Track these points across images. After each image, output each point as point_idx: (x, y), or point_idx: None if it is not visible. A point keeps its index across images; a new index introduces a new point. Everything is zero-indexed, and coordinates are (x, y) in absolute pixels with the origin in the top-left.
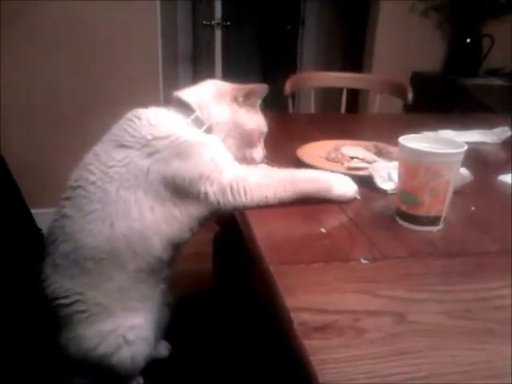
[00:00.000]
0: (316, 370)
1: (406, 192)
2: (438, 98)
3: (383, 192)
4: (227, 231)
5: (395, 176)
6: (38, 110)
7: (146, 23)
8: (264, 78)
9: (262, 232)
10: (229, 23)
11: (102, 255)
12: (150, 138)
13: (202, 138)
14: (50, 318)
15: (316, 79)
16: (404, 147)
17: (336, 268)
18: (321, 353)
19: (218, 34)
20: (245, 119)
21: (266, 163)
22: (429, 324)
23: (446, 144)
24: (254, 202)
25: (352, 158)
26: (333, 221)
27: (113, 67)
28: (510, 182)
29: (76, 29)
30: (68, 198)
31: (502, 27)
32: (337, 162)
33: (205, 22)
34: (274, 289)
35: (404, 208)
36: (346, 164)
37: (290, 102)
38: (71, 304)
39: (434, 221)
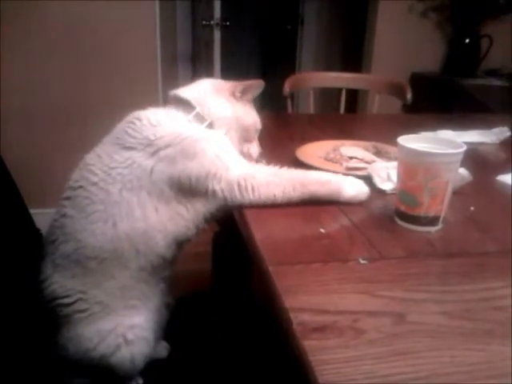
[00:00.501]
0: (315, 370)
1: (405, 192)
2: (437, 98)
3: (382, 192)
4: (226, 231)
5: (394, 176)
6: (37, 109)
7: (146, 23)
8: (263, 78)
9: (261, 232)
10: (228, 23)
11: (105, 255)
12: (152, 138)
13: (205, 134)
14: (49, 318)
15: (315, 79)
16: (403, 147)
17: (335, 268)
18: (320, 353)
19: (217, 33)
20: (242, 114)
21: (265, 163)
22: (428, 324)
23: (445, 144)
24: (261, 199)
25: (351, 158)
26: (332, 221)
27: (112, 67)
28: (509, 182)
29: (75, 29)
30: (68, 198)
31: (501, 27)
32: (336, 162)
33: (204, 21)
34: (273, 289)
35: (403, 208)
36: (345, 164)
37: (289, 102)
38: (72, 303)
39: (432, 221)
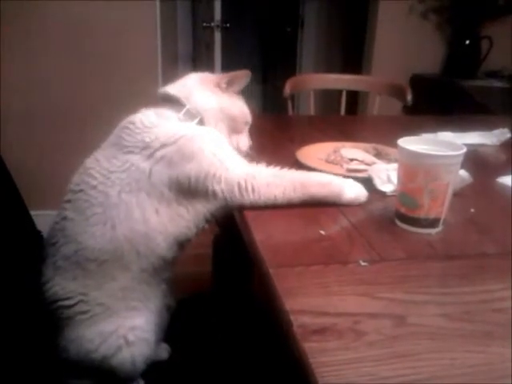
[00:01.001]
0: (315, 372)
1: (405, 194)
2: (437, 100)
3: (382, 194)
4: (227, 234)
5: (394, 178)
6: (38, 111)
7: (146, 25)
8: (264, 79)
9: (261, 234)
10: (228, 25)
11: (105, 257)
12: (147, 140)
13: (199, 132)
14: (50, 320)
15: (315, 81)
16: (403, 149)
17: (335, 270)
18: (320, 355)
19: (218, 35)
20: (228, 104)
21: (265, 164)
22: (428, 326)
23: (445, 146)
24: (261, 200)
25: (351, 159)
26: (332, 223)
27: (112, 68)
28: (509, 183)
29: (76, 30)
30: (69, 201)
31: (501, 29)
32: (336, 164)
33: (204, 23)
34: (273, 291)
35: (403, 210)
36: (345, 166)
37: (289, 103)
38: (73, 305)
39: (433, 223)
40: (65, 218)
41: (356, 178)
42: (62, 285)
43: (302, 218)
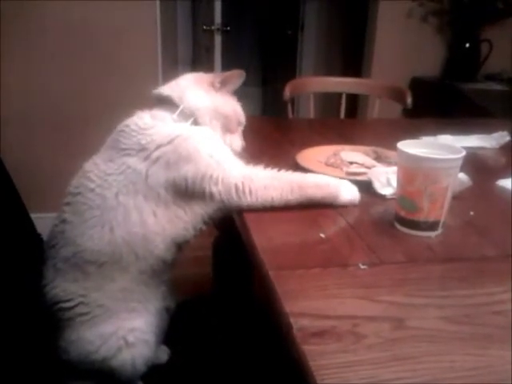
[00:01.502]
0: (315, 375)
1: (405, 197)
2: (437, 103)
3: (382, 197)
4: (226, 236)
5: (394, 181)
6: (38, 114)
7: (146, 28)
8: (264, 82)
9: (261, 237)
10: (228, 28)
11: (104, 259)
12: (143, 142)
13: (194, 132)
14: (50, 322)
15: (315, 84)
16: (402, 153)
17: (335, 273)
18: (320, 358)
19: (218, 38)
20: (222, 103)
21: (264, 166)
22: (428, 329)
23: (444, 149)
24: (258, 202)
25: (351, 163)
26: (332, 226)
27: (113, 71)
28: (508, 186)
29: (76, 33)
30: (68, 204)
31: (501, 32)
32: (336, 167)
33: (205, 26)
34: (273, 294)
35: (403, 213)
36: (345, 169)
37: (289, 106)
38: (73, 307)
39: (432, 226)
40: (64, 221)
41: (356, 181)
42: (62, 287)
43: (302, 221)
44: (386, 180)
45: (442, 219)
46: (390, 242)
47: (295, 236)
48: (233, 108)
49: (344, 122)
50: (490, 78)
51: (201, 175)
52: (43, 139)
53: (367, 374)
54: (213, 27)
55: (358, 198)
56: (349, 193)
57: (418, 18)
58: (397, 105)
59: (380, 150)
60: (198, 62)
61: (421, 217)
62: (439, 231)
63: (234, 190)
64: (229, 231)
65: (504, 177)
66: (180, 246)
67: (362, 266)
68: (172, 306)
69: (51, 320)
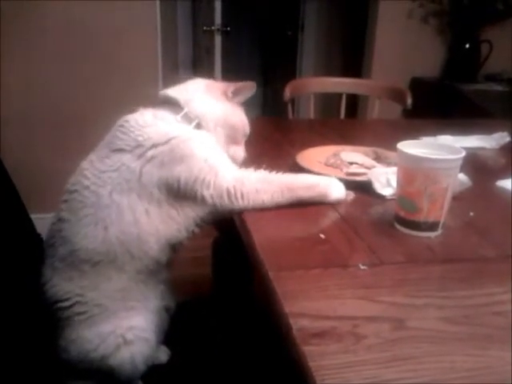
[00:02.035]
0: (315, 375)
1: (405, 198)
2: (437, 104)
3: (382, 197)
4: (226, 236)
5: (394, 182)
6: (38, 114)
7: (146, 28)
8: (264, 83)
9: (261, 238)
10: (229, 29)
11: (99, 258)
12: (140, 139)
13: (193, 135)
14: (50, 321)
15: (315, 84)
16: (402, 153)
17: (335, 274)
18: (319, 359)
19: (218, 39)
20: (231, 113)
21: (265, 168)
22: (428, 330)
23: (444, 150)
24: (250, 205)
25: (351, 163)
26: (332, 226)
27: (113, 72)
28: (508, 187)
29: (76, 33)
30: (65, 202)
31: (501, 33)
32: (336, 168)
33: (205, 27)
34: (272, 294)
35: (402, 214)
36: (345, 169)
37: (289, 107)
38: (71, 306)
39: (432, 226)
40: (61, 219)
41: (355, 182)
42: (59, 286)
43: (302, 222)
44: (385, 180)
45: (442, 220)
46: (390, 243)
47: (295, 236)
48: (241, 120)
49: (344, 122)
50: (490, 78)
51: (193, 178)
52: (43, 139)
53: (367, 375)
54: (213, 28)
55: (345, 195)
56: (337, 191)
57: (418, 18)
58: (397, 105)
59: (380, 150)
60: (199, 62)
61: (421, 217)
62: (439, 232)
63: (225, 195)
64: (228, 232)
65: (504, 177)
66: (174, 248)
67: (362, 267)
68: (172, 305)
69: (51, 319)
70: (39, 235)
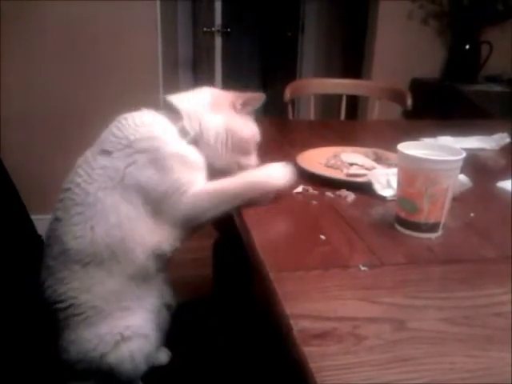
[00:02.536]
0: (315, 377)
1: (405, 199)
2: (437, 105)
3: (382, 198)
4: (227, 237)
5: (394, 183)
6: (38, 114)
7: (147, 29)
8: (264, 84)
9: (261, 239)
10: (229, 30)
11: (88, 259)
12: (132, 138)
13: (180, 150)
14: (50, 322)
15: (316, 86)
16: (403, 154)
17: (335, 275)
18: (320, 360)
19: (218, 40)
20: (242, 126)
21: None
22: (428, 331)
23: (444, 151)
24: (211, 218)
25: (351, 164)
26: (332, 227)
27: (113, 72)
28: (508, 188)
29: (76, 33)
30: (60, 200)
31: (501, 34)
32: (336, 169)
33: (205, 28)
34: (273, 295)
35: (403, 215)
36: (345, 171)
37: (289, 108)
38: (67, 308)
39: (432, 227)
40: (56, 218)
41: (356, 183)
42: (55, 286)
43: (303, 223)
44: (386, 181)
45: (443, 221)
46: (391, 244)
47: (295, 237)
48: (252, 131)
49: (344, 123)
50: (490, 79)
51: (163, 192)
52: (43, 139)
53: (368, 376)
54: (213, 29)
55: (290, 178)
56: (281, 177)
57: (418, 19)
58: (397, 106)
59: (380, 151)
60: (199, 63)
61: (421, 218)
62: (439, 233)
63: (185, 215)
64: (229, 232)
65: (504, 178)
66: (163, 256)
67: (363, 268)
68: (172, 303)
69: (51, 320)
70: (39, 236)
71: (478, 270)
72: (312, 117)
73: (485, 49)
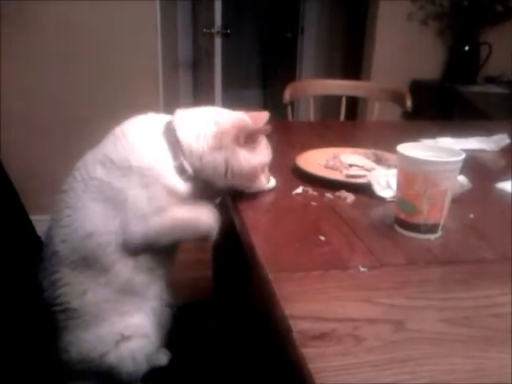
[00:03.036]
0: (314, 377)
1: (405, 200)
2: (436, 106)
3: (382, 200)
4: (227, 239)
5: (394, 184)
6: (38, 116)
7: (147, 30)
8: (264, 85)
9: (261, 240)
10: (229, 31)
11: (73, 264)
12: (133, 164)
13: (174, 186)
14: (49, 323)
15: (315, 87)
16: (402, 155)
17: (335, 276)
18: (319, 361)
19: (218, 41)
20: (246, 160)
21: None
22: (428, 332)
23: (444, 152)
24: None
25: (351, 165)
26: (332, 228)
27: (113, 73)
28: (508, 189)
29: (76, 34)
30: (57, 201)
31: (500, 35)
32: (336, 170)
33: (205, 29)
34: (272, 296)
35: (402, 216)
36: (345, 172)
37: (289, 109)
38: (63, 311)
39: (432, 229)
40: (51, 219)
41: (355, 184)
42: (49, 289)
43: (302, 224)
44: (385, 183)
45: (442, 222)
46: (390, 245)
47: (295, 239)
48: (258, 159)
49: (344, 124)
50: (490, 80)
51: (132, 212)
52: (43, 140)
53: (367, 377)
54: (213, 30)
55: (216, 225)
56: (210, 221)
57: (418, 20)
58: (397, 107)
59: (380, 152)
60: (199, 64)
61: (420, 219)
62: (439, 234)
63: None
64: (229, 234)
65: (503, 179)
66: (150, 271)
67: (362, 269)
68: (173, 302)
69: (50, 320)
70: (39, 237)
71: (477, 271)
72: (312, 118)
73: (484, 50)
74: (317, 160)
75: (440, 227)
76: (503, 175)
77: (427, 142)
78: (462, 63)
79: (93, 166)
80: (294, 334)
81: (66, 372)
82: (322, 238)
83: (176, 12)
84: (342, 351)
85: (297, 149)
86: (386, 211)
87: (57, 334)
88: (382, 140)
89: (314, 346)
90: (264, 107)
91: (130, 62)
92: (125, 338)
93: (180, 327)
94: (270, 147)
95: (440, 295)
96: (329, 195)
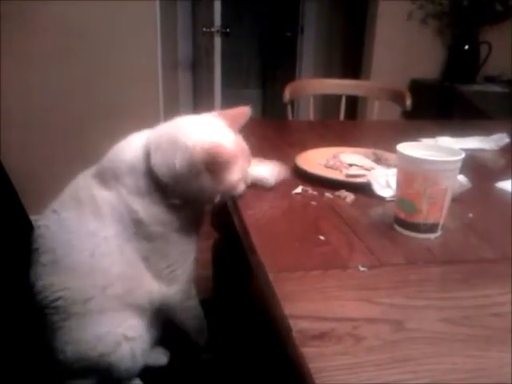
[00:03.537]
0: (314, 377)
1: (404, 199)
2: (436, 105)
3: (381, 199)
4: (226, 238)
5: (393, 183)
6: (38, 115)
7: (146, 30)
8: (263, 84)
9: (260, 239)
10: (228, 30)
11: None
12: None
13: (143, 217)
14: (47, 322)
15: (315, 86)
16: (402, 155)
17: (335, 275)
18: (319, 360)
19: (218, 40)
20: (219, 182)
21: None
22: (427, 331)
23: (443, 151)
24: None
25: (350, 165)
26: (331, 228)
27: (113, 73)
28: (508, 188)
29: (76, 33)
30: (54, 211)
31: (500, 34)
32: (335, 169)
33: (204, 28)
34: (272, 296)
35: (402, 215)
36: (345, 171)
37: (289, 108)
38: (57, 313)
39: (431, 228)
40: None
41: (355, 184)
42: (42, 291)
43: (302, 224)
44: (385, 182)
45: (442, 221)
46: (390, 244)
47: (295, 238)
48: (232, 177)
49: (344, 123)
50: (490, 79)
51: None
52: (43, 140)
53: (367, 376)
54: (212, 29)
55: None
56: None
57: (417, 20)
58: (396, 107)
59: (379, 152)
60: (198, 63)
61: (420, 219)
62: (438, 233)
63: None
64: (228, 233)
65: (503, 179)
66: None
67: (362, 268)
68: None
69: (48, 321)
70: None
71: (477, 270)
72: (311, 117)
73: (484, 49)
74: (316, 159)
75: (440, 227)
76: (503, 174)
77: (427, 142)
78: (462, 62)
79: (99, 188)
80: (294, 334)
81: (64, 370)
82: (322, 237)
83: (176, 12)
84: (342, 351)
85: (296, 148)
86: (385, 211)
87: (53, 333)
88: (381, 139)
89: (313, 346)
90: (264, 106)
91: (129, 62)
92: (127, 338)
93: (179, 326)
94: (245, 144)
95: (440, 295)
96: (328, 195)
